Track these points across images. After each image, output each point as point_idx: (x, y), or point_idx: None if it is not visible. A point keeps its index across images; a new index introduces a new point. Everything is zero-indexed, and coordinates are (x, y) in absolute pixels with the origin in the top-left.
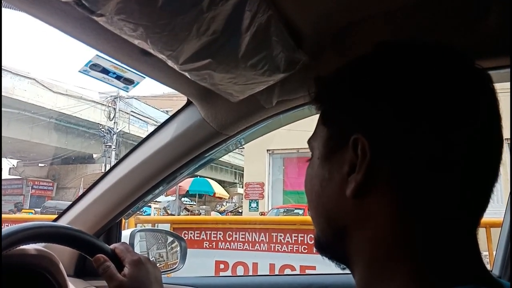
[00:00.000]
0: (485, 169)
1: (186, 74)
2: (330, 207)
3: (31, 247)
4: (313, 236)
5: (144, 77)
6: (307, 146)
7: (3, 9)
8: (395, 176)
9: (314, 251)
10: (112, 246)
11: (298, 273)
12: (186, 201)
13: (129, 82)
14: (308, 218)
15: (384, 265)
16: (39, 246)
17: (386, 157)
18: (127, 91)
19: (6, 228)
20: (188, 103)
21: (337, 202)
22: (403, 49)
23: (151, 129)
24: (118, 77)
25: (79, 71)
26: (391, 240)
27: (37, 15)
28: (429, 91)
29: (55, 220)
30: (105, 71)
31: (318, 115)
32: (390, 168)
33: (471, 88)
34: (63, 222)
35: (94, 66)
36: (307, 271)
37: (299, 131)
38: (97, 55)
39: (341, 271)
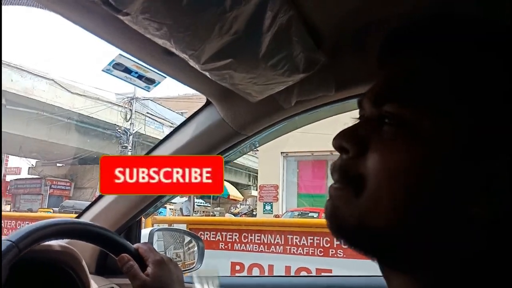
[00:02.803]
0: None
1: (207, 74)
2: (428, 210)
3: (55, 243)
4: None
5: (165, 77)
6: (321, 149)
7: (5, 7)
8: None
9: (330, 255)
10: (135, 246)
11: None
12: (201, 203)
13: (150, 81)
14: (323, 221)
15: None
16: (62, 242)
17: None
18: (149, 91)
19: (35, 223)
20: (207, 103)
21: (441, 208)
22: None
23: (166, 130)
24: (140, 77)
25: (103, 70)
26: (478, 255)
27: (61, 13)
28: None
29: (78, 217)
30: (127, 70)
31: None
32: None
33: None
34: (85, 219)
35: (117, 66)
36: (323, 274)
37: (313, 134)
38: (120, 54)
39: (359, 274)
